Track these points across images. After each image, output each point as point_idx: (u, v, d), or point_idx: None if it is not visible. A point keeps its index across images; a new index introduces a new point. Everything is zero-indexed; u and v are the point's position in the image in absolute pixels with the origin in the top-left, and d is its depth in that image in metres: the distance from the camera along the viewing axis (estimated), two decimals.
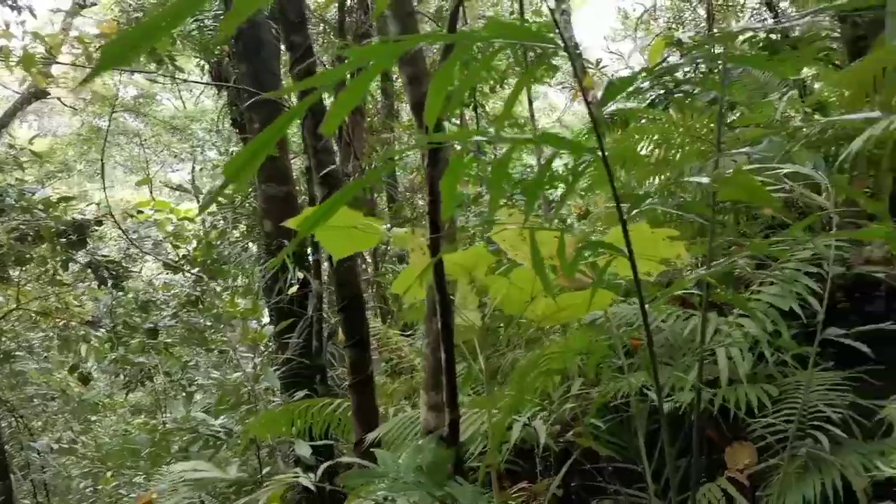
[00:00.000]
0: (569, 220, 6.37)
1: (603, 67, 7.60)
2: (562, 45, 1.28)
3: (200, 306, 7.19)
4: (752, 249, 1.90)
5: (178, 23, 1.02)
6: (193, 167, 14.27)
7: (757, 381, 2.74)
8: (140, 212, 8.46)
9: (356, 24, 7.53)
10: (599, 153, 1.37)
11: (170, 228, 7.73)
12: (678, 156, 3.99)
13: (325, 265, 5.15)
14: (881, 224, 3.18)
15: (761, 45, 5.16)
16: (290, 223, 2.30)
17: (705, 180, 1.55)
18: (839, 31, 5.04)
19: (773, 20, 5.31)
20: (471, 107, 8.89)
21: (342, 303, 3.31)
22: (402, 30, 1.97)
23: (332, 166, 2.91)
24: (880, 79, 3.07)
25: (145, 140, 12.68)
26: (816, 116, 3.53)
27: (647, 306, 1.69)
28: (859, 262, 3.25)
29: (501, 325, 3.36)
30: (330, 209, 1.36)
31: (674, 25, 9.17)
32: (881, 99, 3.00)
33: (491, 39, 1.25)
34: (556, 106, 16.34)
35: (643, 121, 4.06)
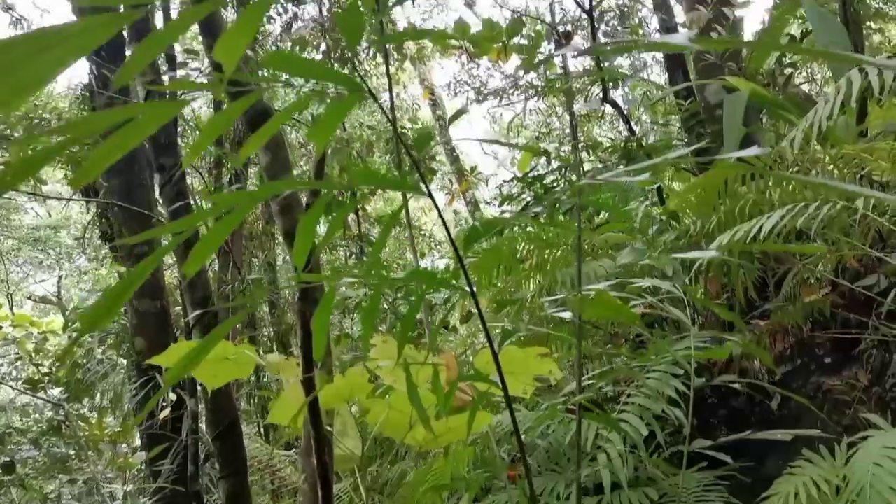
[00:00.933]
0: (452, 322, 6.43)
1: (478, 173, 7.91)
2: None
3: (64, 430, 6.65)
4: (617, 370, 1.98)
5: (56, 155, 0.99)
6: (60, 278, 13.50)
7: (639, 484, 2.80)
8: None
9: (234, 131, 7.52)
10: (467, 289, 1.41)
11: (30, 346, 7.19)
12: (550, 259, 4.16)
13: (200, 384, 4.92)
14: (735, 332, 3.40)
15: (619, 152, 5.57)
16: (161, 360, 2.20)
17: (567, 315, 1.62)
18: (686, 140, 5.52)
19: (627, 129, 5.75)
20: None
21: (217, 430, 3.15)
22: (273, 159, 1.99)
23: (204, 294, 2.82)
24: (723, 189, 3.36)
25: (6, 253, 11.91)
26: (672, 223, 3.81)
27: (531, 415, 1.71)
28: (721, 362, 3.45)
29: (382, 452, 3.30)
30: (203, 350, 1.32)
31: (542, 130, 9.74)
32: (726, 208, 3.28)
33: (357, 185, 1.28)
34: (430, 206, 16.76)
35: (516, 228, 4.23)
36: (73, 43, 0.82)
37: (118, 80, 1.01)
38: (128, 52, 5.49)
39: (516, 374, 1.91)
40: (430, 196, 1.31)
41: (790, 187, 3.20)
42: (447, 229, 1.69)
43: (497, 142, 8.47)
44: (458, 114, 5.88)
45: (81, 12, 4.76)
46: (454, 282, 1.48)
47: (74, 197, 7.25)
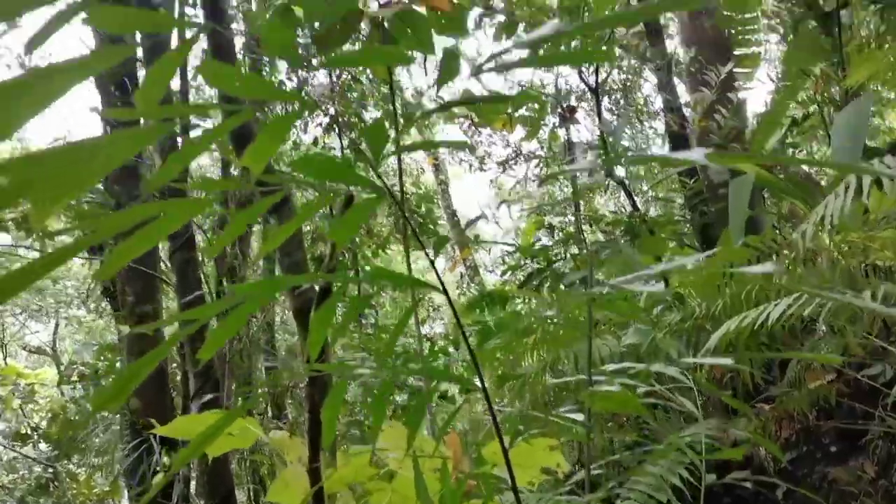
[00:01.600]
0: (450, 391, 6.36)
1: (481, 241, 7.94)
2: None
3: (52, 489, 6.51)
4: (623, 459, 1.96)
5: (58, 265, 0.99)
6: (56, 327, 13.39)
7: None
8: None
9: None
10: (479, 385, 1.40)
11: (16, 404, 7.10)
12: (554, 334, 4.14)
13: None
14: (741, 416, 3.36)
15: (623, 226, 5.61)
16: (166, 431, 2.17)
17: (579, 418, 1.61)
18: (689, 217, 5.57)
19: (630, 203, 5.81)
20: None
21: (213, 500, 3.08)
22: (291, 263, 2.01)
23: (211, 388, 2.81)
24: (728, 272, 3.37)
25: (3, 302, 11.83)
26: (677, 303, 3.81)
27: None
28: (727, 443, 3.40)
29: None
30: (209, 437, 1.30)
31: (544, 199, 9.84)
32: (732, 291, 3.29)
33: (376, 280, 1.29)
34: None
35: (518, 301, 4.23)
36: (104, 153, 0.84)
37: (150, 185, 1.02)
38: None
39: (523, 467, 1.88)
40: (439, 281, 1.31)
41: (797, 272, 3.21)
42: (451, 303, 1.69)
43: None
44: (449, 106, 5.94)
45: (101, 39, 4.84)
46: (466, 376, 1.47)
47: (80, 254, 7.25)
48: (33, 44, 0.69)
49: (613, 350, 3.46)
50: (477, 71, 0.80)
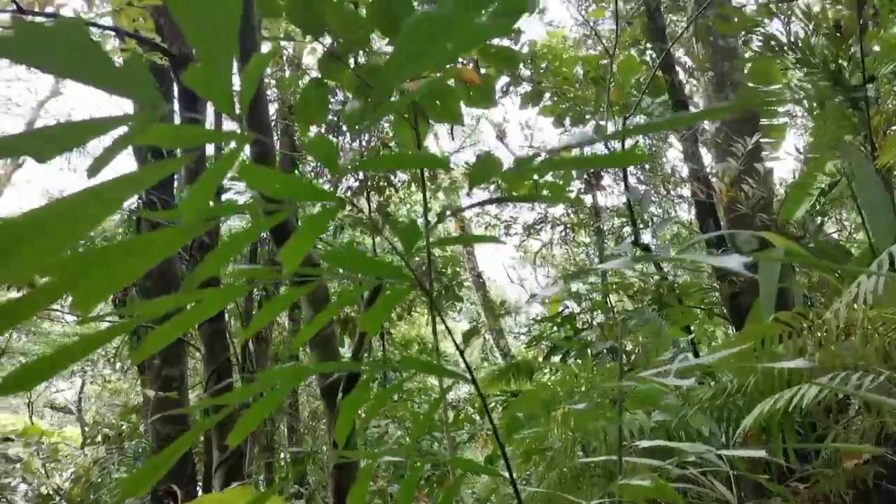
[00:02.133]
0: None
1: (505, 306, 7.92)
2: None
3: None
4: None
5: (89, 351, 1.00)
6: (82, 386, 13.47)
7: None
8: (8, 439, 7.81)
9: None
10: (506, 476, 1.38)
11: (38, 464, 7.10)
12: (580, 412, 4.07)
13: None
14: (776, 497, 3.26)
15: (650, 295, 5.57)
16: None
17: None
18: (718, 285, 5.52)
19: (658, 272, 5.78)
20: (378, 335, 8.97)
21: None
22: (321, 340, 2.02)
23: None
24: (759, 347, 3.32)
25: (31, 357, 11.96)
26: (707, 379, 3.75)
27: None
28: None
29: None
30: None
31: (570, 264, 9.83)
32: (764, 368, 3.23)
33: (405, 368, 1.29)
34: (455, 330, 16.70)
35: (546, 372, 4.18)
36: (145, 252, 0.86)
37: (188, 285, 1.05)
38: (176, 182, 5.73)
39: None
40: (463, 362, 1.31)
41: (830, 348, 3.15)
42: (479, 392, 1.68)
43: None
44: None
45: (139, 155, 5.03)
46: (493, 467, 1.45)
47: (107, 317, 7.35)
48: (95, 168, 0.72)
49: (644, 425, 3.39)
50: (505, 200, 0.81)
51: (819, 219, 5.86)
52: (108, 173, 0.70)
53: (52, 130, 0.74)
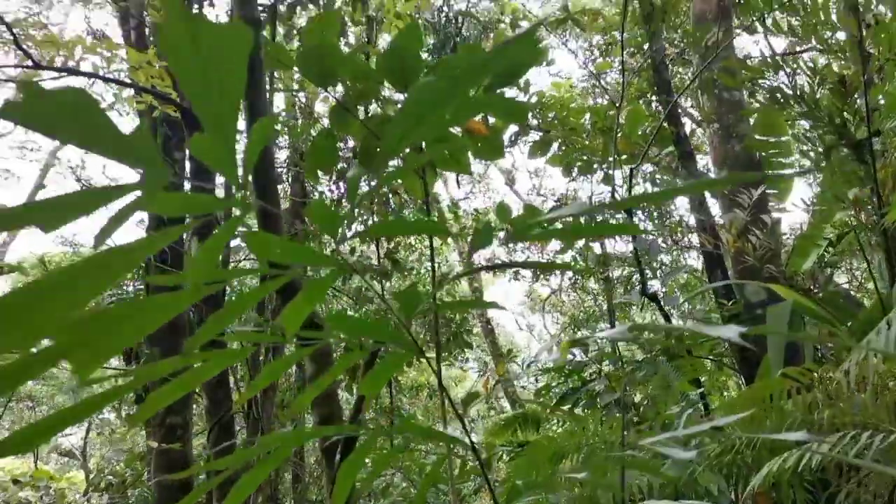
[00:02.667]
0: None
1: (514, 355, 7.88)
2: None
3: None
4: None
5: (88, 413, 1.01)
6: (87, 431, 13.39)
7: None
8: (17, 481, 7.74)
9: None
10: None
11: None
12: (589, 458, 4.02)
13: None
14: None
15: (660, 348, 5.53)
16: None
17: None
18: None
19: (662, 317, 5.75)
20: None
21: None
22: (318, 369, 2.03)
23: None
24: (768, 403, 3.28)
25: (39, 399, 11.96)
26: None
27: None
28: None
29: None
30: None
31: (580, 310, 9.79)
32: (772, 424, 3.19)
33: (405, 432, 1.29)
34: (463, 377, 16.56)
35: (553, 422, 4.14)
36: (147, 315, 0.88)
37: (192, 345, 1.06)
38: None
39: None
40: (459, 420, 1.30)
41: (840, 405, 3.11)
42: (482, 466, 1.66)
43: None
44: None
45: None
46: None
47: (116, 367, 7.37)
48: (101, 238, 0.73)
49: (652, 482, 3.34)
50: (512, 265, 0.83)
51: (828, 269, 5.83)
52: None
53: (60, 201, 0.76)
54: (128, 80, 3.73)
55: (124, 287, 7.36)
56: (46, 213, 0.73)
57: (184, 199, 0.88)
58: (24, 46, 3.51)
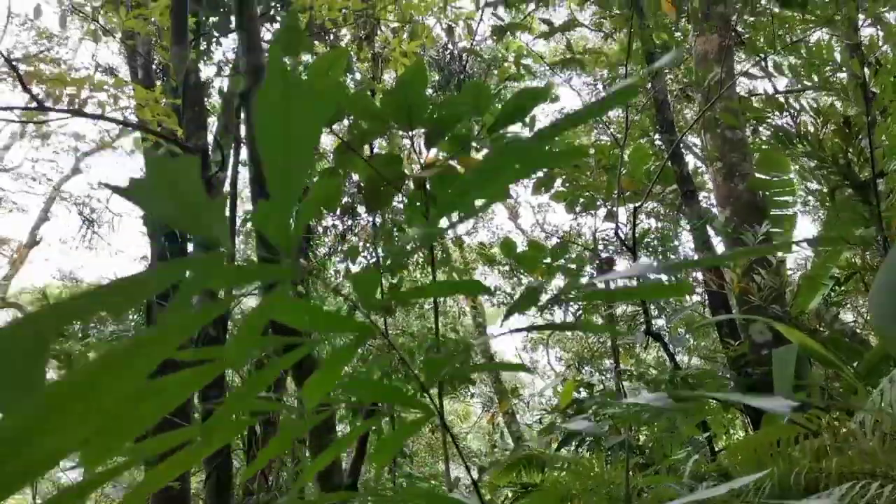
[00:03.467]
0: None
1: (518, 394, 7.81)
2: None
3: None
4: None
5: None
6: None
7: None
8: None
9: None
10: None
11: None
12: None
13: None
14: None
15: (664, 385, 5.47)
16: None
17: None
18: (732, 377, 5.42)
19: (670, 361, 5.70)
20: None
21: None
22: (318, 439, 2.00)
23: None
24: (775, 449, 3.23)
25: None
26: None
27: None
28: None
29: None
30: None
31: (583, 346, 9.72)
32: (780, 471, 3.13)
33: (406, 500, 1.26)
34: (468, 412, 16.37)
35: (558, 466, 4.08)
36: (159, 399, 0.86)
37: (206, 430, 1.03)
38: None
39: None
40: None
41: (849, 453, 3.06)
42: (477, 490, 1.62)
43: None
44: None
45: (154, 239, 5.10)
46: None
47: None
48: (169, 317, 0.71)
49: None
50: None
51: (834, 309, 5.79)
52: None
53: (122, 284, 0.72)
54: (133, 119, 3.75)
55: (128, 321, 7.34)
56: (116, 298, 0.66)
57: (237, 271, 0.86)
58: (30, 84, 3.55)
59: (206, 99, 7.25)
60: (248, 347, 0.87)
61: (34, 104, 2.92)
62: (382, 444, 1.11)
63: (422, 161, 3.07)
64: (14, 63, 3.58)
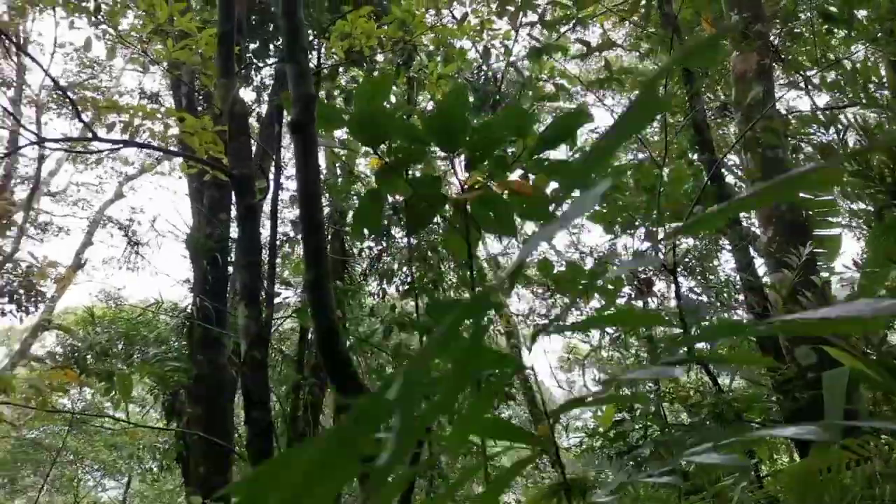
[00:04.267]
0: None
1: (557, 421, 7.71)
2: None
3: None
4: None
5: None
6: (128, 484, 13.44)
7: None
8: None
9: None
10: None
11: None
12: None
13: None
14: None
15: (707, 408, 5.37)
16: None
17: None
18: (778, 400, 5.30)
19: (713, 383, 5.60)
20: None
21: None
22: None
23: None
24: (826, 475, 3.15)
25: (81, 457, 12.06)
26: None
27: None
28: None
29: None
30: None
31: (620, 367, 9.59)
32: (831, 499, 3.05)
33: None
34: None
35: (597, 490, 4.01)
36: None
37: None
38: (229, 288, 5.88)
39: None
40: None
41: None
42: None
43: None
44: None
45: (195, 261, 5.21)
46: None
47: (159, 425, 7.42)
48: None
49: None
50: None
51: (882, 331, 5.64)
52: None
53: None
54: (179, 147, 3.85)
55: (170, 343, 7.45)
56: None
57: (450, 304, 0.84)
58: (80, 110, 3.67)
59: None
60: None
61: (89, 134, 3.02)
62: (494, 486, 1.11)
63: (459, 182, 3.08)
64: (67, 92, 3.70)
